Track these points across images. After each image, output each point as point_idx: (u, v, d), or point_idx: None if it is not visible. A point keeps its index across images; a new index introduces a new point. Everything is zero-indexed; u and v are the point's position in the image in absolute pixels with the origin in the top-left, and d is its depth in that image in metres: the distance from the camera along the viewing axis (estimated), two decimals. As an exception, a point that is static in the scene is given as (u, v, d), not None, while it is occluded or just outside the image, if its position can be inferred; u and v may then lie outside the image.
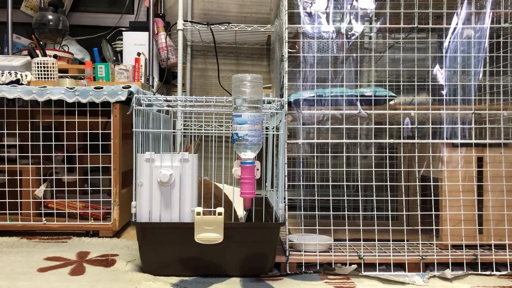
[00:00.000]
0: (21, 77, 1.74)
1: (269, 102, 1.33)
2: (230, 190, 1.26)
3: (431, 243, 1.42)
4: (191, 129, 1.99)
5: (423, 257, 1.28)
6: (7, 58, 1.79)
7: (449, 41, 1.39)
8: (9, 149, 1.76)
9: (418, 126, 1.37)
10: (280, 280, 1.19)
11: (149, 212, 1.19)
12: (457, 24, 1.39)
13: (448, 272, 1.22)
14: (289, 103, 1.38)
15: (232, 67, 2.33)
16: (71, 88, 1.60)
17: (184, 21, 2.04)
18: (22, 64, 1.77)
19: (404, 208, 1.40)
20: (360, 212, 1.45)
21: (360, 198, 1.46)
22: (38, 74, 1.77)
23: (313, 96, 1.38)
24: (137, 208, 1.20)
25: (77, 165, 1.88)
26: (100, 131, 1.72)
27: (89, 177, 1.75)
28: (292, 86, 1.41)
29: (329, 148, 1.39)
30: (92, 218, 1.67)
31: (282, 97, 1.36)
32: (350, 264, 1.26)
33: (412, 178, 1.52)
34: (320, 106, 1.37)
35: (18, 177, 1.69)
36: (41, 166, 1.73)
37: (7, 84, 1.70)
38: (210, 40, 2.29)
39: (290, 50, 1.40)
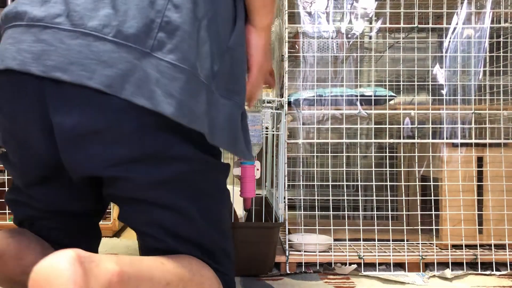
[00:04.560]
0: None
1: (269, 102, 1.33)
2: (230, 190, 1.26)
3: (431, 243, 1.42)
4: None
5: (423, 257, 1.28)
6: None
7: (449, 41, 1.39)
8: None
9: (418, 126, 1.37)
10: (280, 280, 1.18)
11: (149, 212, 1.19)
12: (457, 24, 1.39)
13: (448, 272, 1.22)
14: (289, 103, 1.38)
15: (232, 67, 2.33)
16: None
17: (184, 20, 2.03)
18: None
19: (404, 208, 1.40)
20: (360, 212, 1.45)
21: (360, 198, 1.46)
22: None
23: (313, 96, 1.37)
24: (137, 208, 1.19)
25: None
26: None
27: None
28: (292, 86, 1.41)
29: (329, 148, 1.39)
30: (92, 218, 1.67)
31: (282, 97, 1.36)
32: (350, 264, 1.26)
33: (412, 178, 1.52)
34: (320, 106, 1.37)
35: (18, 177, 1.69)
36: (41, 166, 1.73)
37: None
38: (210, 40, 2.28)
39: (290, 50, 1.40)
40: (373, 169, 1.62)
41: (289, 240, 1.34)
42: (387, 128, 1.39)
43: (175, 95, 0.71)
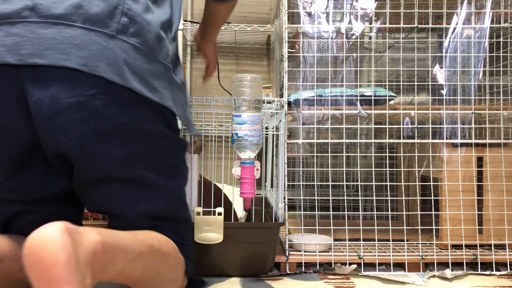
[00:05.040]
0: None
1: (269, 102, 1.33)
2: (230, 190, 1.26)
3: (431, 243, 1.42)
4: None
5: (423, 257, 1.28)
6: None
7: (449, 41, 1.39)
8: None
9: (418, 126, 1.37)
10: (280, 280, 1.19)
11: (149, 212, 1.19)
12: (457, 24, 1.39)
13: (448, 272, 1.22)
14: (289, 103, 1.38)
15: (232, 67, 2.33)
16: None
17: (184, 21, 2.04)
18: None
19: (404, 208, 1.40)
20: (360, 212, 1.45)
21: (360, 198, 1.46)
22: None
23: (313, 96, 1.37)
24: (137, 208, 1.19)
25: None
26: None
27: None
28: (292, 86, 1.41)
29: (329, 148, 1.39)
30: (91, 218, 1.67)
31: (282, 97, 1.36)
32: (350, 264, 1.26)
33: (412, 178, 1.52)
34: (320, 106, 1.37)
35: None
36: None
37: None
38: (210, 40, 2.29)
39: (290, 50, 1.40)
40: (373, 169, 1.62)
41: (289, 240, 1.34)
42: (387, 128, 1.39)
43: (139, 73, 0.81)
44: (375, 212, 1.38)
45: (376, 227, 1.32)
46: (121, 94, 0.80)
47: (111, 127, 0.81)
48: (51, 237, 0.59)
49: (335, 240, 1.39)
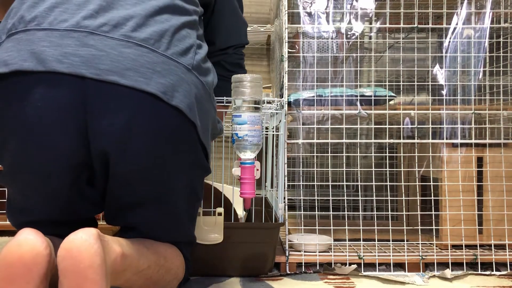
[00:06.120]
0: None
1: (269, 102, 1.33)
2: (229, 190, 1.26)
3: (431, 243, 1.42)
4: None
5: (423, 257, 1.28)
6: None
7: (449, 41, 1.39)
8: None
9: (418, 126, 1.37)
10: (280, 280, 1.19)
11: (149, 212, 1.19)
12: (457, 24, 1.39)
13: (448, 272, 1.22)
14: (289, 103, 1.38)
15: (232, 67, 2.32)
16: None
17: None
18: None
19: (404, 208, 1.40)
20: (360, 212, 1.45)
21: (360, 198, 1.46)
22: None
23: (313, 96, 1.37)
24: (137, 208, 1.19)
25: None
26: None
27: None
28: (292, 86, 1.41)
29: (329, 148, 1.39)
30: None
31: (282, 97, 1.36)
32: (350, 264, 1.26)
33: (412, 178, 1.52)
34: (320, 106, 1.37)
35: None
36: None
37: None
38: (210, 40, 2.28)
39: (290, 50, 1.40)
40: (373, 169, 1.62)
41: (289, 240, 1.34)
42: (387, 128, 1.39)
43: (201, 111, 0.85)
44: (375, 212, 1.38)
45: (376, 227, 1.32)
46: (189, 127, 0.82)
47: (179, 156, 0.83)
48: (88, 242, 0.64)
49: (335, 240, 1.39)
